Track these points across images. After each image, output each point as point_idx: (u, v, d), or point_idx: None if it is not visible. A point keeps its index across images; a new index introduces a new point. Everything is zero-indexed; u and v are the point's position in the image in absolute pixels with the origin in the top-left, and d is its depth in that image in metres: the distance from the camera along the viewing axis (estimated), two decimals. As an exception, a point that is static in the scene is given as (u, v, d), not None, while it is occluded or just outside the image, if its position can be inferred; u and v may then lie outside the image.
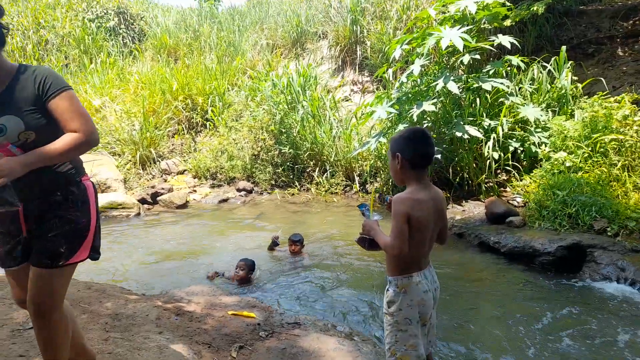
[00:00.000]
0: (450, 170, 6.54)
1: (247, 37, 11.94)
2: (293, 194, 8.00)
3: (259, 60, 11.16)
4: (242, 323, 3.05)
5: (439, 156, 5.96)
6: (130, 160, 8.81)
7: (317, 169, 8.20)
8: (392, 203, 1.91)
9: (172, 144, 9.59)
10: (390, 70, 6.83)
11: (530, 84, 6.74)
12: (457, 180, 6.60)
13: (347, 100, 9.68)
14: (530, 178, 5.86)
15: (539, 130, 6.09)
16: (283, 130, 8.40)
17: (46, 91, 1.73)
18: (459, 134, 5.85)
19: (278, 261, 5.07)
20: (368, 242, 2.01)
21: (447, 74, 5.77)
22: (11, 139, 1.70)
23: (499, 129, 5.93)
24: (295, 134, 8.31)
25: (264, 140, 8.53)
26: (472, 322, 3.58)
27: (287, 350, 2.72)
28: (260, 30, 12.21)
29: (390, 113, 6.32)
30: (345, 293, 4.19)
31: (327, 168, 8.06)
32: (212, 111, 9.48)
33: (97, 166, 7.96)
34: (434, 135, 6.60)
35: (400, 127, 6.28)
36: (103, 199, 7.15)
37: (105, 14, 14.48)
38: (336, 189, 7.86)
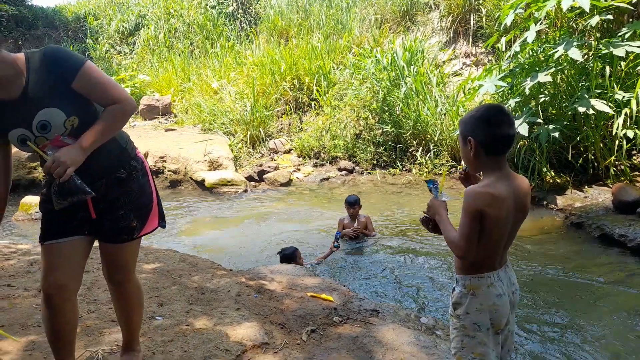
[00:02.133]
0: (571, 150, 5.76)
1: (355, 13, 11.74)
2: (394, 175, 7.78)
3: (365, 37, 10.93)
4: (319, 306, 3.04)
5: (556, 134, 5.27)
6: (241, 140, 9.31)
7: (421, 148, 7.84)
8: (465, 196, 1.66)
9: (280, 124, 9.91)
10: (503, 39, 6.17)
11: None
12: (580, 162, 5.80)
13: (458, 75, 9.05)
14: (674, 161, 4.92)
15: (689, 103, 5.05)
16: (385, 108, 8.16)
17: (66, 72, 1.63)
18: (582, 109, 5.11)
19: (357, 244, 4.99)
20: (432, 224, 1.82)
21: (569, 39, 5.02)
22: (59, 131, 1.65)
23: (633, 102, 5.03)
24: (398, 112, 8.02)
25: (366, 119, 8.39)
26: (580, 329, 3.14)
27: (359, 339, 2.63)
28: (369, 5, 11.91)
29: (501, 87, 5.74)
30: (430, 282, 3.97)
31: (431, 147, 7.67)
32: (317, 91, 9.56)
33: (210, 145, 8.56)
34: (553, 111, 5.86)
35: (512, 102, 5.68)
36: (215, 176, 7.69)
37: (225, 0, 15.35)
38: (440, 169, 7.45)
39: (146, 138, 9.28)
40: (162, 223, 2.03)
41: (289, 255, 4.22)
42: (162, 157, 8.30)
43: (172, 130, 10.01)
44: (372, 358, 2.44)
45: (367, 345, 2.57)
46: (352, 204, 5.03)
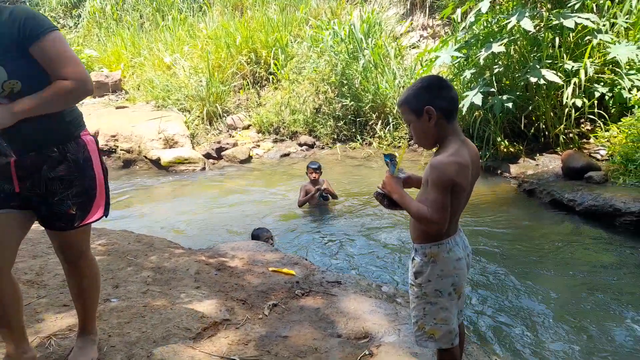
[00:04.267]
0: (524, 120, 5.93)
1: (311, -16, 11.48)
2: (354, 149, 7.80)
3: (322, 9, 10.73)
4: (280, 280, 3.02)
5: (510, 105, 5.40)
6: (198, 116, 9.04)
7: (380, 121, 7.87)
8: (432, 169, 1.62)
9: (238, 99, 9.68)
10: (458, 10, 6.20)
11: (626, 19, 5.80)
12: (532, 131, 5.99)
13: (415, 47, 9.07)
14: (618, 128, 5.15)
15: (633, 72, 5.27)
16: (344, 82, 8.11)
17: (27, 34, 1.52)
18: (534, 80, 5.24)
19: (318, 216, 5.04)
20: (387, 200, 1.79)
21: (522, 9, 5.10)
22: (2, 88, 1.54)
23: (582, 72, 5.21)
24: (357, 86, 7.99)
25: (325, 93, 8.32)
26: (531, 290, 3.28)
27: (321, 311, 2.64)
28: (325, -24, 11.68)
29: (457, 58, 5.79)
30: (389, 253, 4.04)
31: (390, 120, 7.71)
32: (274, 64, 9.36)
33: (165, 122, 8.27)
34: (507, 82, 5.99)
35: (467, 73, 5.75)
36: (170, 154, 7.46)
37: (175, -30, 14.63)
38: (399, 142, 7.52)
39: (96, 116, 8.83)
40: (106, 212, 1.89)
41: (255, 236, 4.16)
42: (113, 136, 7.96)
43: (123, 107, 9.58)
44: (335, 328, 2.46)
45: (329, 316, 2.58)
46: (316, 168, 5.07)
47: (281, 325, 2.47)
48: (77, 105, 1.78)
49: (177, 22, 12.44)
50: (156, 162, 7.53)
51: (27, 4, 16.08)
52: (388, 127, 7.72)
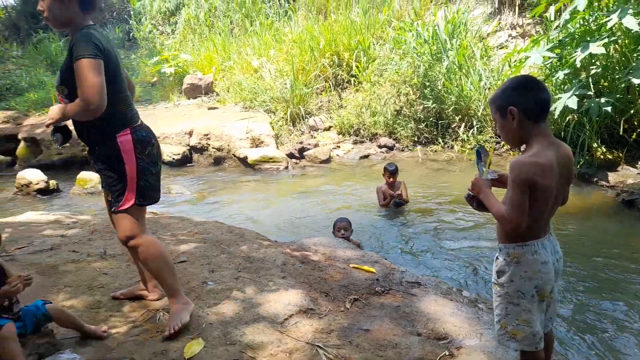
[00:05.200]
0: (624, 125, 5.52)
1: (395, -14, 11.46)
2: (436, 151, 7.69)
3: (405, 10, 10.68)
4: (361, 277, 3.12)
5: (608, 108, 5.05)
6: (282, 117, 9.40)
7: (463, 124, 7.69)
8: (512, 168, 1.66)
9: (320, 101, 9.92)
10: (552, 8, 5.90)
11: None
12: (634, 137, 5.55)
13: (503, 47, 8.74)
14: None
15: None
16: (427, 84, 8.02)
17: (72, 54, 1.95)
18: (637, 81, 4.86)
19: (396, 218, 5.06)
20: (477, 202, 1.83)
21: (624, 6, 4.76)
22: (59, 90, 2.08)
23: (695, 73, 4.75)
24: (439, 87, 7.87)
25: (406, 95, 8.28)
26: (627, 312, 3.09)
27: (401, 308, 2.70)
28: (410, -22, 11.59)
29: (549, 58, 5.52)
30: (473, 255, 3.97)
31: (474, 123, 7.51)
32: (356, 67, 9.48)
33: (252, 122, 8.71)
34: (605, 84, 5.61)
35: (560, 74, 5.47)
36: (257, 153, 7.85)
37: (263, -23, 15.29)
38: (483, 146, 7.29)
39: (191, 117, 9.53)
40: (141, 202, 2.19)
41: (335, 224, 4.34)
42: (206, 135, 8.53)
43: (214, 108, 10.23)
44: (415, 326, 2.51)
45: (409, 314, 2.63)
46: (393, 171, 5.12)
47: (362, 318, 2.57)
48: (125, 109, 2.16)
49: (264, 27, 13.01)
50: (243, 160, 7.97)
51: (132, 12, 17.67)
52: (472, 130, 7.52)
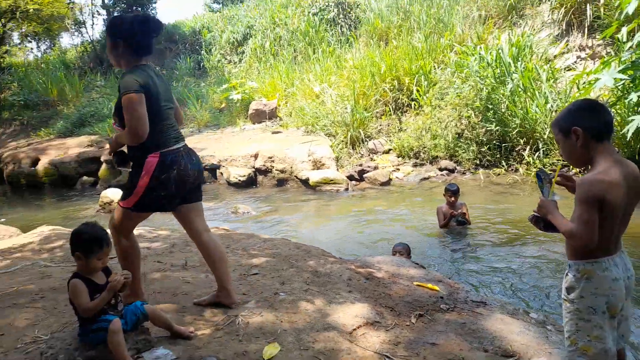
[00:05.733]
0: None
1: (457, 11, 11.55)
2: (499, 174, 7.57)
3: (468, 35, 10.70)
4: (425, 294, 3.18)
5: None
6: (342, 141, 9.65)
7: (528, 147, 7.54)
8: (580, 186, 1.72)
9: (380, 125, 10.09)
10: (624, 29, 5.75)
11: None
12: None
13: (571, 70, 8.52)
14: None
15: None
16: (490, 106, 7.97)
17: (119, 91, 2.40)
18: None
19: (458, 238, 5.04)
20: (544, 223, 1.88)
21: None
22: (113, 119, 2.61)
23: None
24: (503, 110, 7.79)
25: (468, 118, 8.26)
26: None
27: (467, 325, 2.74)
28: (472, 2, 11.64)
29: (620, 80, 5.37)
30: (538, 277, 3.90)
31: (540, 146, 7.34)
32: (417, 91, 9.59)
33: (314, 145, 9.02)
34: (684, 105, 5.35)
35: (634, 96, 5.29)
36: (318, 175, 8.10)
37: (326, 6, 15.90)
38: (550, 170, 7.11)
39: (256, 140, 10.01)
40: (136, 209, 2.54)
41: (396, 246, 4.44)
42: (270, 158, 8.92)
43: (278, 132, 10.68)
44: (481, 343, 2.54)
45: (475, 331, 2.67)
46: (454, 191, 5.14)
47: (428, 333, 2.63)
48: (160, 135, 2.51)
49: (326, 54, 13.49)
50: (305, 182, 8.24)
51: (203, 43, 18.87)
52: (537, 153, 7.35)
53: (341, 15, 15.68)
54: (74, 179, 10.67)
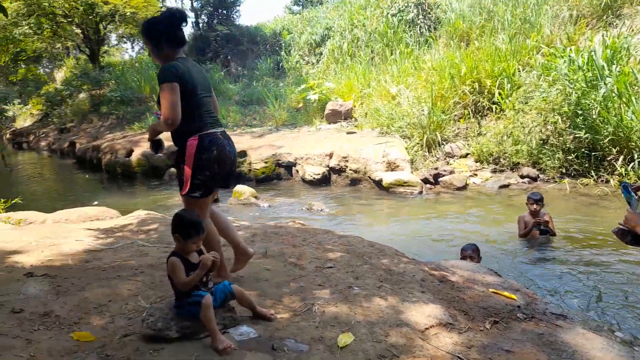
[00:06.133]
0: None
1: (545, 11, 10.98)
2: (587, 185, 7.12)
3: (557, 36, 10.14)
4: (500, 302, 3.12)
5: None
6: (417, 143, 9.56)
7: (622, 157, 7.02)
8: None
9: (457, 128, 9.86)
10: None
11: None
12: None
13: (675, 74, 7.80)
14: None
15: None
16: (579, 112, 7.51)
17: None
18: None
19: (539, 249, 4.83)
20: (632, 236, 1.81)
21: None
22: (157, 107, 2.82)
23: None
24: (594, 116, 7.32)
25: (554, 124, 7.84)
26: None
27: (544, 337, 2.67)
28: (563, 1, 11.01)
29: None
30: (625, 295, 3.67)
31: (636, 157, 6.80)
32: (499, 94, 9.26)
33: (389, 147, 9.02)
34: None
35: None
36: (392, 177, 8.10)
37: (405, 7, 15.76)
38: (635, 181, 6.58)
39: (331, 140, 10.20)
40: (192, 194, 2.72)
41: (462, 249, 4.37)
42: (344, 157, 9.06)
43: (352, 133, 10.79)
44: (560, 355, 2.47)
45: (553, 343, 2.59)
46: (538, 200, 4.94)
47: (502, 340, 2.60)
48: (198, 120, 2.73)
49: (403, 55, 13.39)
50: (378, 183, 8.28)
51: (282, 45, 19.46)
52: (632, 163, 6.82)
53: (420, 16, 15.47)
54: (163, 170, 11.50)
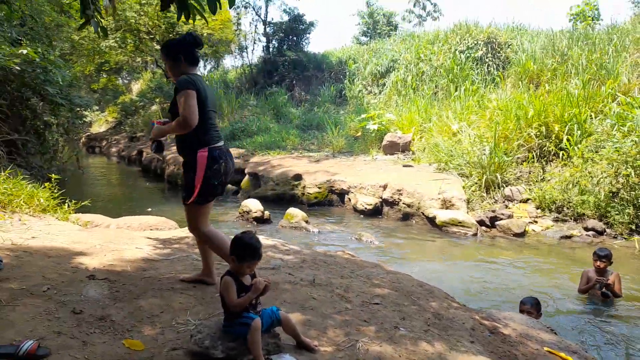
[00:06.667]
0: None
1: (624, 58, 10.50)
2: (659, 245, 6.61)
3: (635, 85, 9.64)
4: (556, 363, 2.94)
5: None
6: (476, 183, 9.30)
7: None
8: None
9: (520, 171, 9.52)
10: None
11: None
12: None
13: None
14: None
15: None
16: (657, 167, 7.04)
17: (177, 91, 2.91)
18: None
19: (601, 309, 4.50)
20: None
21: None
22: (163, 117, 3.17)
23: None
24: (673, 173, 6.83)
25: (627, 177, 7.38)
26: None
27: (603, 409, 2.48)
28: (644, 49, 10.50)
29: None
30: None
31: None
32: (567, 140, 8.88)
33: (445, 184, 8.84)
34: None
35: None
36: (446, 215, 7.91)
37: (475, 44, 15.64)
38: None
39: (387, 171, 10.16)
40: (199, 200, 3.01)
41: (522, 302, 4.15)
42: (399, 190, 8.97)
43: (409, 166, 10.70)
44: None
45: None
46: (605, 256, 4.64)
47: (556, 406, 2.44)
48: (207, 133, 3.01)
49: (468, 92, 13.22)
50: (431, 220, 8.11)
51: (347, 74, 19.74)
52: None
53: (489, 55, 15.28)
54: (220, 185, 11.89)
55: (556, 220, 7.93)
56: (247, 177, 11.43)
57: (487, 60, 15.14)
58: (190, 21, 3.57)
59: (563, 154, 8.95)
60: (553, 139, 9.35)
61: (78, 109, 10.89)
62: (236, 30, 24.47)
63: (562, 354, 3.06)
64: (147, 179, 14.99)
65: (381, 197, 9.20)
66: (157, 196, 12.11)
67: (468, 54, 15.32)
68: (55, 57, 9.14)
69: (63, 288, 2.88)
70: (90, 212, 6.24)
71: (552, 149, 9.29)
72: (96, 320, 2.53)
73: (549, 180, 8.76)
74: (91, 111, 27.04)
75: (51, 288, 2.84)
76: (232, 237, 2.48)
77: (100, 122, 33.44)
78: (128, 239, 4.51)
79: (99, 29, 3.34)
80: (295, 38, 22.48)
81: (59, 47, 14.73)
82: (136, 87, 31.40)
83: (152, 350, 2.32)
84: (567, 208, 7.96)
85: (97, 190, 12.85)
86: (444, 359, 2.65)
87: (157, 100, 23.03)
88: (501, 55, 15.11)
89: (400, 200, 8.89)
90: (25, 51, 6.56)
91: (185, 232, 5.19)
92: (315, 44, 61.14)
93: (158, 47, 23.95)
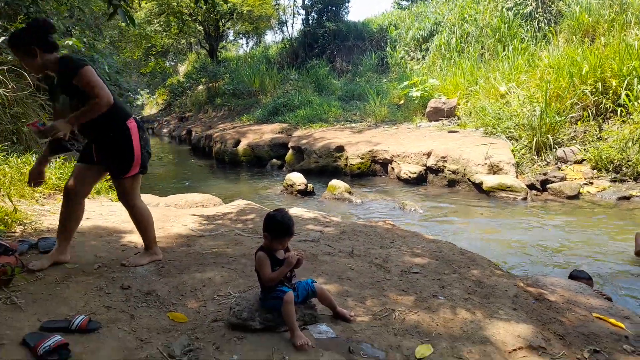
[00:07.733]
0: None
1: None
2: None
3: None
4: (605, 329, 2.83)
5: None
6: (526, 146, 8.91)
7: None
8: None
9: (574, 131, 9.01)
10: None
11: None
12: None
13: None
14: None
15: None
16: None
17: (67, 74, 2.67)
18: None
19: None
20: None
21: None
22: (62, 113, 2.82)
23: None
24: None
25: (694, 131, 6.82)
26: None
27: (656, 376, 2.37)
28: None
29: None
30: None
31: None
32: (626, 95, 8.26)
33: (493, 148, 8.53)
34: None
35: None
36: (493, 180, 7.66)
37: (523, 0, 14.68)
38: None
39: (431, 138, 9.92)
40: (142, 170, 3.01)
41: (572, 277, 3.97)
42: (443, 157, 8.76)
43: (454, 132, 10.38)
44: (671, 400, 2.18)
45: (665, 386, 2.29)
46: None
47: (602, 373, 2.36)
48: (122, 104, 2.98)
49: (517, 51, 12.53)
50: (478, 186, 7.88)
51: (388, 40, 19.23)
52: None
53: (539, 10, 14.31)
54: (266, 160, 12.12)
55: (614, 180, 7.49)
56: (290, 151, 11.55)
57: (537, 15, 14.20)
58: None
59: (622, 110, 8.36)
60: (610, 95, 8.74)
61: (127, 93, 11.31)
62: (275, 5, 24.31)
63: (613, 320, 2.94)
64: (197, 157, 15.48)
65: (425, 165, 9.03)
66: (206, 174, 12.50)
67: (516, 11, 14.43)
68: (105, 44, 9.48)
69: (113, 265, 3.06)
70: (142, 192, 6.54)
71: (610, 106, 8.70)
72: (143, 295, 2.68)
73: (605, 139, 8.24)
74: (141, 95, 28.02)
75: (102, 266, 3.04)
76: (266, 214, 2.53)
77: (151, 104, 34.68)
78: (174, 216, 4.71)
79: (126, 18, 3.40)
80: (334, 8, 22.03)
81: (109, 35, 15.27)
82: (182, 68, 32.17)
83: (195, 322, 2.44)
84: (626, 167, 7.49)
85: (149, 170, 13.42)
86: (483, 327, 2.62)
87: (203, 80, 23.50)
88: (552, 9, 14.12)
89: (445, 167, 8.68)
90: (71, 42, 6.85)
91: (228, 208, 5.35)
92: (355, 12, 59.72)
93: (201, 28, 24.31)
